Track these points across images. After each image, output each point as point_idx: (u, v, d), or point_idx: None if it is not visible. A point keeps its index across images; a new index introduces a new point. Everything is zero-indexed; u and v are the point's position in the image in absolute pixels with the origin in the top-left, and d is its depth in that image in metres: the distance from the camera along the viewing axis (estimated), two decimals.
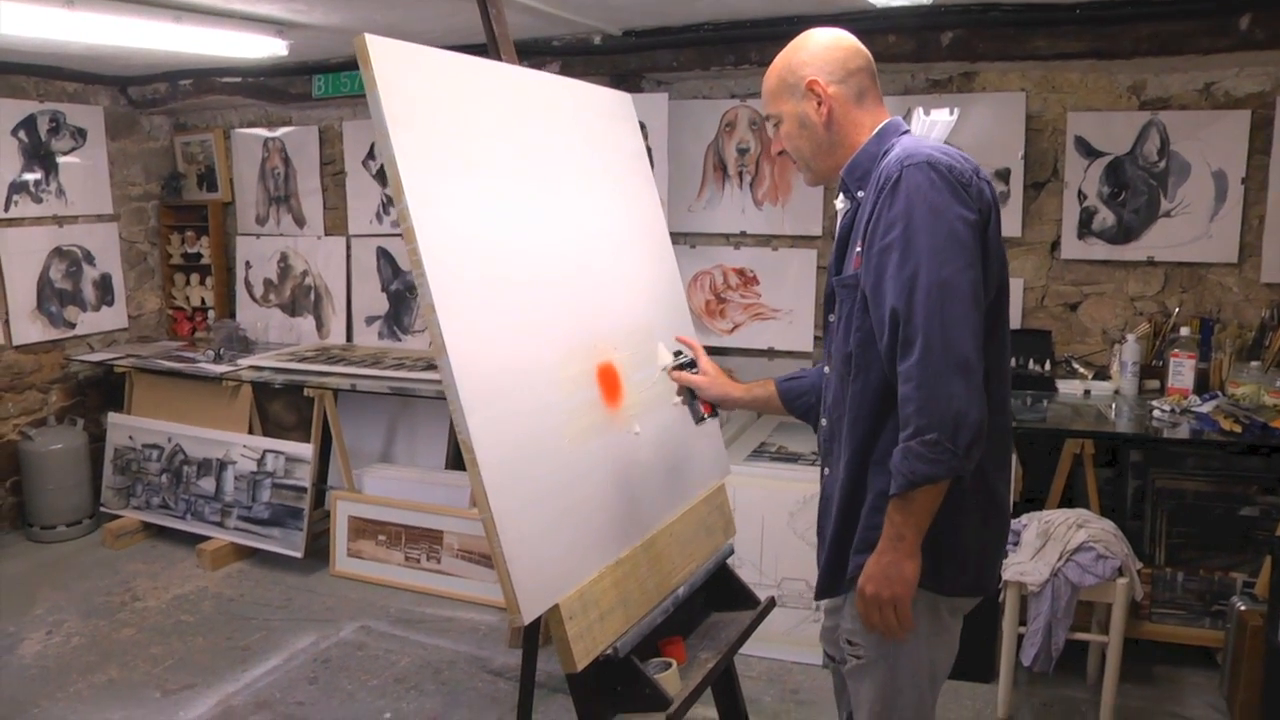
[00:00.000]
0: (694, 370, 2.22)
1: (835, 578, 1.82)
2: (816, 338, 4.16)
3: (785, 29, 3.72)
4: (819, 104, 1.78)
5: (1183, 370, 3.42)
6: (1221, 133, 3.61)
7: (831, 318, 1.88)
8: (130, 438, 4.54)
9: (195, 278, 5.24)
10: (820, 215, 4.10)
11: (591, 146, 2.44)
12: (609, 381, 2.22)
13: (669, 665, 2.11)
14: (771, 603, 2.56)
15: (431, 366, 4.21)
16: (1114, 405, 3.45)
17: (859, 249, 1.71)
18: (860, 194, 1.76)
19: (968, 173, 1.63)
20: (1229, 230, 3.64)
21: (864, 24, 3.44)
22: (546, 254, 2.11)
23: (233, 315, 5.14)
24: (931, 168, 1.60)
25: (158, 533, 4.50)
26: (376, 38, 1.74)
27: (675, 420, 2.45)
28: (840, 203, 1.87)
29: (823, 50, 1.79)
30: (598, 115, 2.52)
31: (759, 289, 4.25)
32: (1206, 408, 3.27)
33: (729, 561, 2.58)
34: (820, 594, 1.90)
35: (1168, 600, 3.29)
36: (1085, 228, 3.76)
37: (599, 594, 2.01)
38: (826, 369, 1.91)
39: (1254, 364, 3.39)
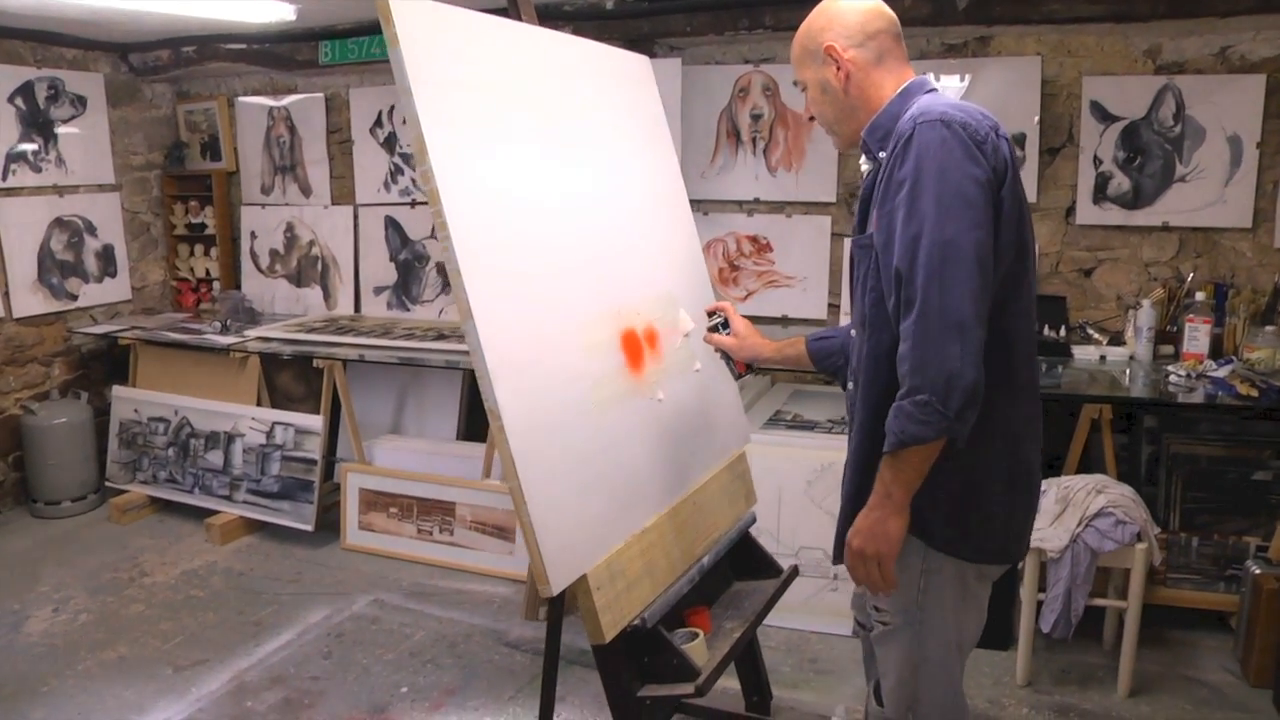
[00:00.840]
0: (726, 331, 2.27)
1: None
2: (830, 305, 4.14)
3: None
4: (838, 69, 1.76)
5: (1198, 335, 3.40)
6: (1237, 97, 3.57)
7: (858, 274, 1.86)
8: (136, 411, 4.51)
9: (200, 248, 5.19)
10: (835, 182, 4.06)
11: (613, 110, 2.41)
12: (633, 348, 2.21)
13: (696, 635, 2.10)
14: (794, 571, 2.55)
15: (442, 336, 4.18)
16: (1128, 371, 3.44)
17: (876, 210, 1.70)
18: (882, 154, 1.73)
19: (983, 130, 1.60)
20: (1243, 195, 3.62)
21: None
22: (569, 218, 2.09)
23: (238, 286, 5.10)
24: (945, 125, 1.58)
25: (165, 507, 4.47)
26: None
27: (697, 387, 2.45)
28: (865, 164, 1.84)
29: (841, 14, 1.77)
30: (618, 78, 2.49)
31: (772, 256, 4.22)
32: (1222, 372, 3.26)
33: (750, 530, 2.58)
34: (837, 558, 1.89)
35: (1182, 565, 3.29)
36: (1100, 193, 3.73)
37: (626, 563, 2.00)
38: (854, 331, 1.89)
39: (1269, 328, 3.37)
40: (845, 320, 4.08)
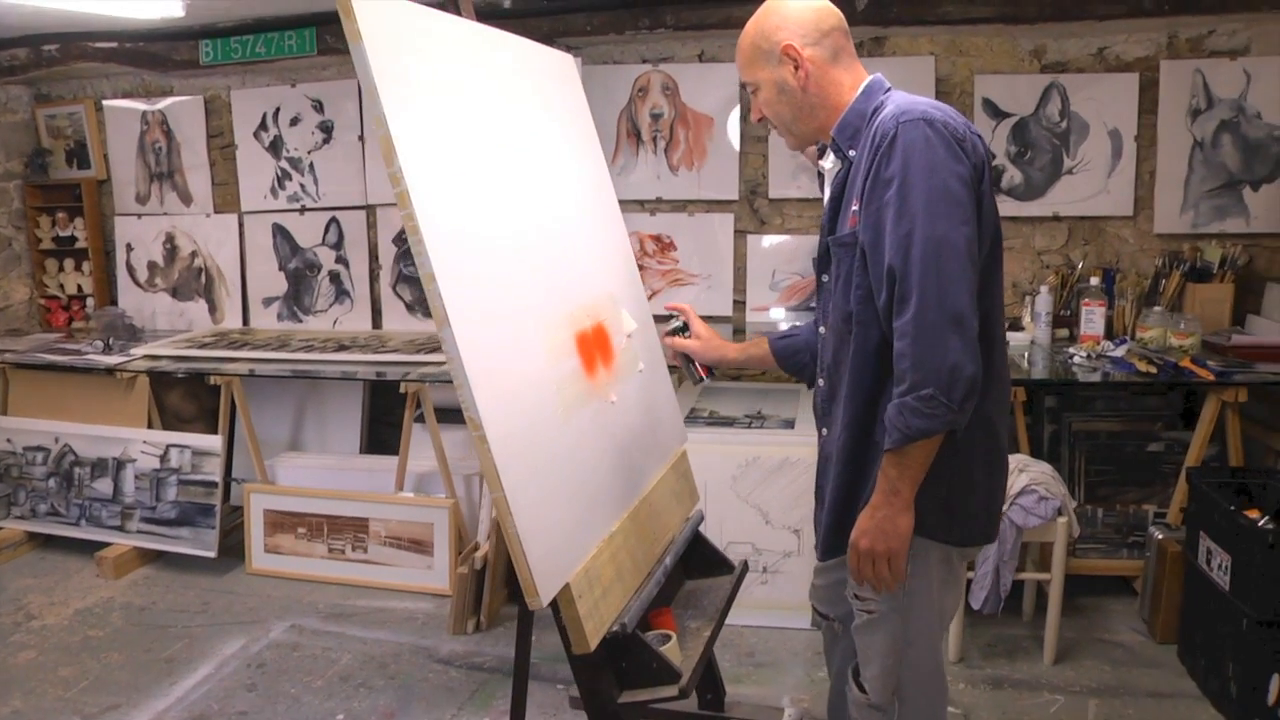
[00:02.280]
0: (687, 334, 2.24)
1: (840, 537, 1.82)
2: (736, 301, 4.18)
3: None
4: (796, 68, 1.78)
5: (1094, 318, 3.59)
6: (1114, 94, 3.80)
7: (825, 278, 1.88)
8: (9, 441, 4.18)
9: (70, 263, 4.85)
10: (736, 180, 4.11)
11: (549, 110, 2.36)
12: (586, 350, 2.17)
13: (669, 637, 2.08)
14: (745, 567, 2.55)
15: (343, 347, 4.03)
16: (1027, 354, 3.59)
17: (855, 207, 1.72)
18: (852, 153, 1.75)
19: (961, 128, 1.65)
20: (1124, 185, 3.85)
21: None
22: (526, 220, 2.03)
23: (114, 302, 4.79)
24: (928, 124, 1.61)
25: (46, 542, 4.16)
26: None
27: (641, 388, 2.42)
28: (829, 163, 1.86)
29: (794, 13, 1.78)
30: (549, 77, 2.44)
31: (676, 255, 4.23)
32: (1119, 352, 3.44)
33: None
34: (825, 554, 1.91)
35: (1089, 535, 3.47)
36: (995, 186, 3.88)
37: (600, 569, 1.96)
38: (822, 329, 1.91)
39: (1156, 309, 3.58)
40: (752, 315, 4.13)
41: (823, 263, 1.88)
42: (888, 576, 1.68)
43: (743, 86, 1.95)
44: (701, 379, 2.26)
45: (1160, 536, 3.23)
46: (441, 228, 1.69)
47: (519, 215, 2.00)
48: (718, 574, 2.54)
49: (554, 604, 1.81)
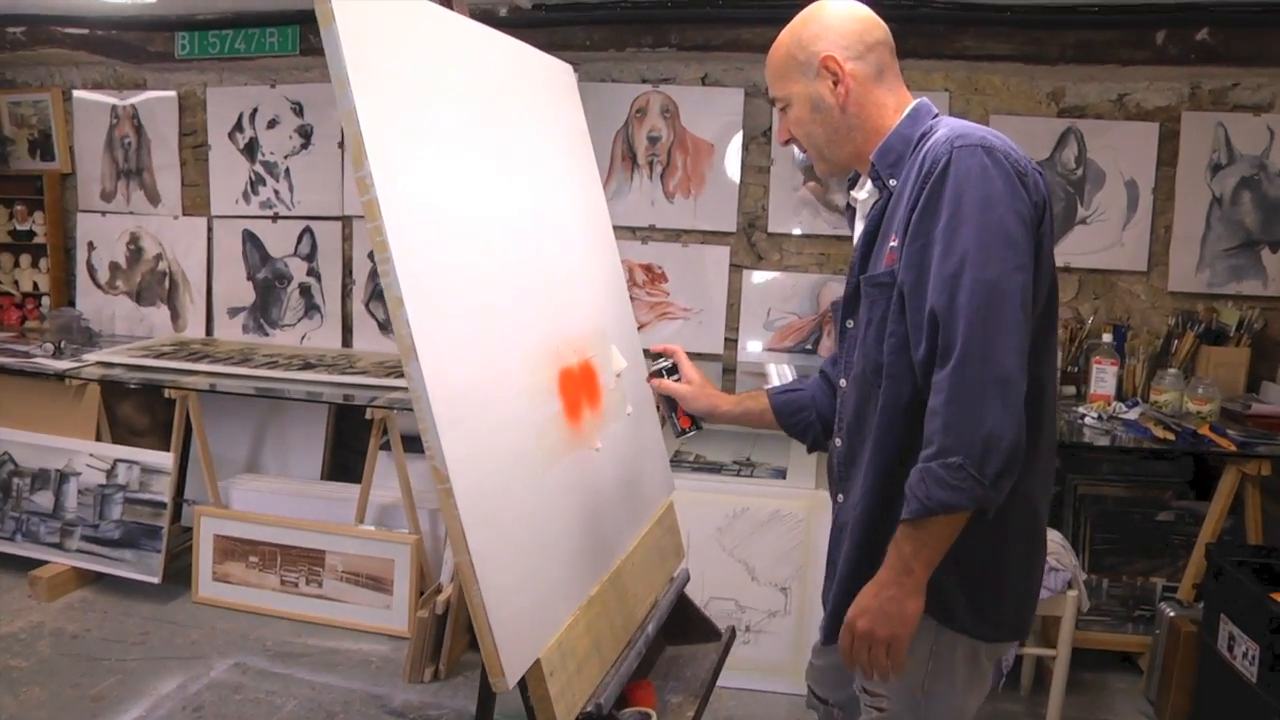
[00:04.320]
0: (676, 377, 1.97)
1: None
2: (728, 339, 3.98)
3: (710, 11, 3.55)
4: (835, 83, 1.57)
5: (1105, 377, 3.40)
6: (1133, 143, 3.65)
7: (850, 323, 1.68)
8: None
9: (26, 259, 4.57)
10: (735, 211, 3.91)
11: (544, 121, 2.16)
12: (571, 391, 1.95)
13: (648, 717, 1.86)
14: (733, 634, 2.34)
15: (308, 365, 3.79)
16: None
17: (894, 243, 1.51)
18: (893, 182, 1.55)
19: (1023, 161, 1.46)
20: (1139, 239, 3.68)
21: (795, 10, 3.28)
22: (508, 241, 1.82)
23: (72, 303, 4.52)
24: (986, 152, 1.41)
25: None
26: None
27: (629, 433, 2.21)
28: (864, 193, 1.66)
29: (838, 22, 1.59)
30: (545, 85, 2.25)
31: (667, 286, 4.02)
32: (1133, 414, 3.26)
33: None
34: (831, 636, 1.68)
35: (1094, 607, 3.27)
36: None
37: (575, 641, 1.74)
38: (842, 382, 1.70)
39: (1171, 371, 3.40)
40: (748, 352, 3.93)
41: (849, 306, 1.68)
42: (884, 664, 1.45)
43: (771, 103, 1.73)
44: (684, 431, 1.97)
45: (1172, 614, 3.02)
46: (414, 245, 1.47)
47: (504, 235, 1.79)
48: (703, 640, 2.32)
49: (522, 682, 1.58)
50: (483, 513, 1.51)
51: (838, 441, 1.71)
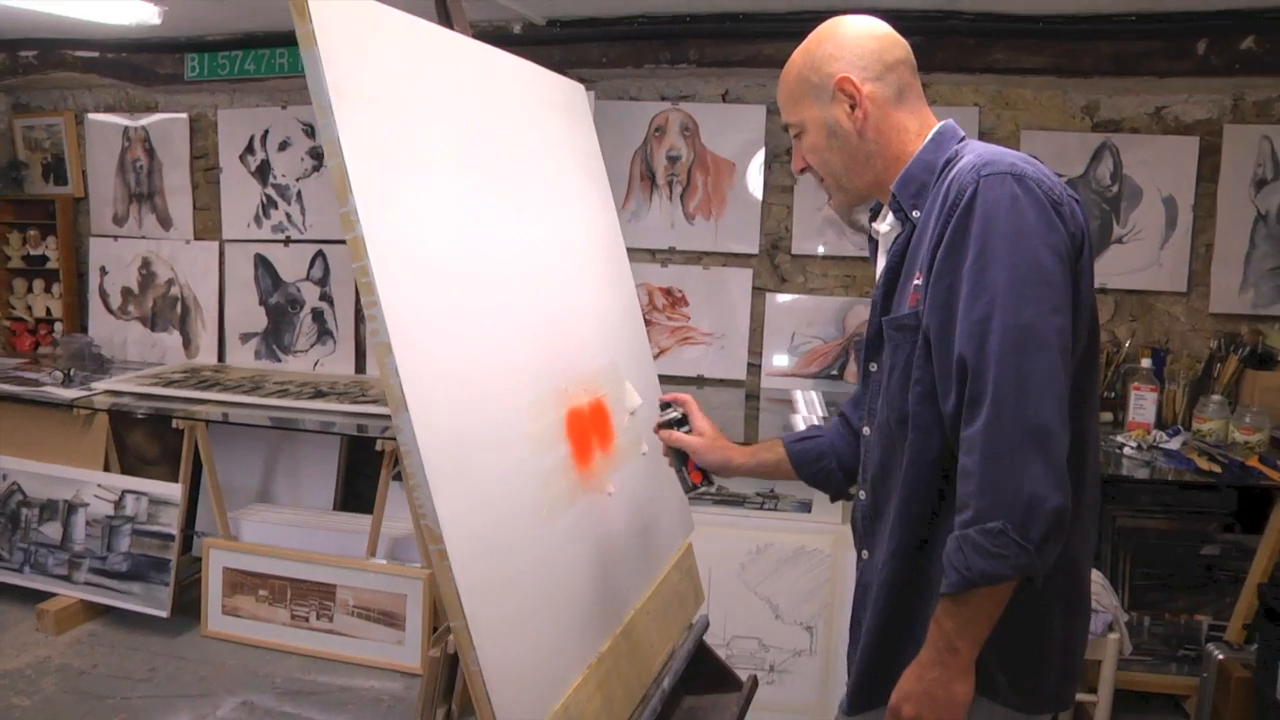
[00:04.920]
0: (686, 429, 1.82)
1: (875, 689, 1.47)
2: (751, 364, 3.85)
3: (730, 26, 3.44)
4: (852, 106, 1.46)
5: (1144, 404, 3.25)
6: (1171, 158, 3.51)
7: (874, 366, 1.55)
8: None
9: (39, 284, 4.53)
10: (757, 233, 3.79)
11: (552, 144, 2.05)
12: (580, 433, 1.84)
13: None
14: (755, 683, 2.21)
15: (320, 394, 3.71)
16: None
17: (918, 281, 1.39)
18: (916, 214, 1.43)
19: (1058, 189, 1.32)
20: (1178, 258, 3.54)
21: (817, 24, 3.17)
22: (512, 276, 1.71)
23: (84, 328, 4.47)
24: (1016, 180, 1.28)
25: None
26: None
27: (644, 473, 2.09)
28: (885, 225, 1.54)
29: (853, 40, 1.47)
30: (554, 107, 2.13)
31: (687, 310, 3.91)
32: (1174, 444, 3.10)
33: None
34: (854, 706, 1.55)
35: (1135, 646, 3.11)
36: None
37: (583, 703, 1.62)
38: (866, 430, 1.57)
39: (1215, 398, 3.24)
40: (769, 380, 3.80)
41: (872, 348, 1.55)
42: None
43: (785, 129, 1.62)
44: (695, 486, 1.83)
45: (1221, 656, 2.87)
46: (405, 286, 1.36)
47: (506, 271, 1.68)
48: (723, 690, 2.20)
49: None
50: (481, 574, 1.40)
51: (861, 494, 1.58)
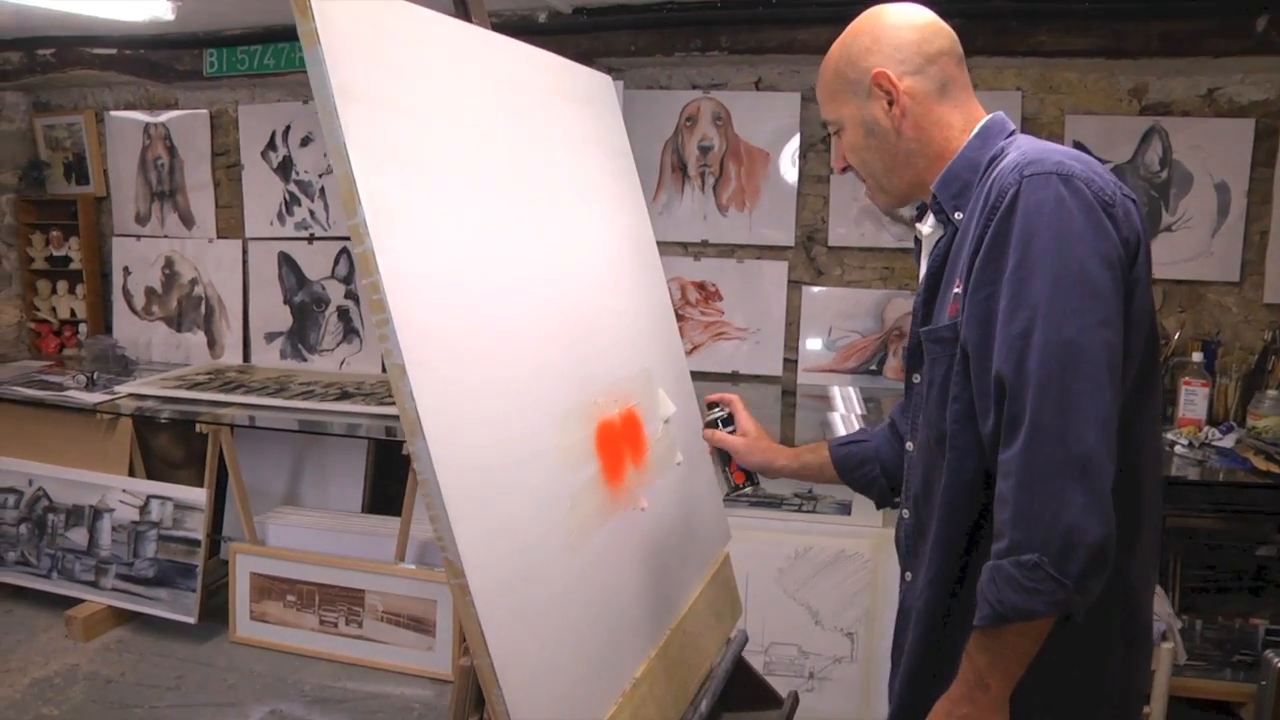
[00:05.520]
0: (730, 429, 1.78)
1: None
2: (787, 360, 3.74)
3: (763, 12, 3.31)
4: (890, 103, 1.36)
5: (1195, 399, 3.12)
6: (1224, 142, 3.35)
7: (916, 378, 1.45)
8: None
9: (63, 285, 4.50)
10: (793, 224, 3.67)
11: (579, 142, 1.96)
12: (611, 447, 1.75)
13: None
14: (795, 699, 2.13)
15: (346, 395, 3.64)
16: None
17: (957, 290, 1.29)
18: (958, 215, 1.33)
19: (1110, 189, 1.21)
20: (1231, 247, 3.38)
21: (857, 11, 3.05)
22: (536, 283, 1.62)
23: (109, 329, 4.44)
24: (1063, 180, 1.18)
25: (15, 595, 3.76)
26: None
27: (679, 483, 2.01)
28: (927, 227, 1.43)
29: (892, 31, 1.36)
30: (582, 103, 2.03)
31: (721, 305, 3.80)
32: (1228, 441, 2.97)
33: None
34: None
35: (1187, 651, 2.98)
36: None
37: None
38: (910, 445, 1.47)
39: (1271, 393, 3.10)
40: (806, 375, 3.69)
41: (914, 359, 1.45)
42: None
43: (823, 126, 1.51)
44: (738, 487, 1.80)
45: (1279, 663, 2.74)
46: (420, 301, 1.28)
47: (531, 279, 1.58)
48: (762, 708, 2.12)
49: None
50: (505, 607, 1.32)
51: (905, 513, 1.49)
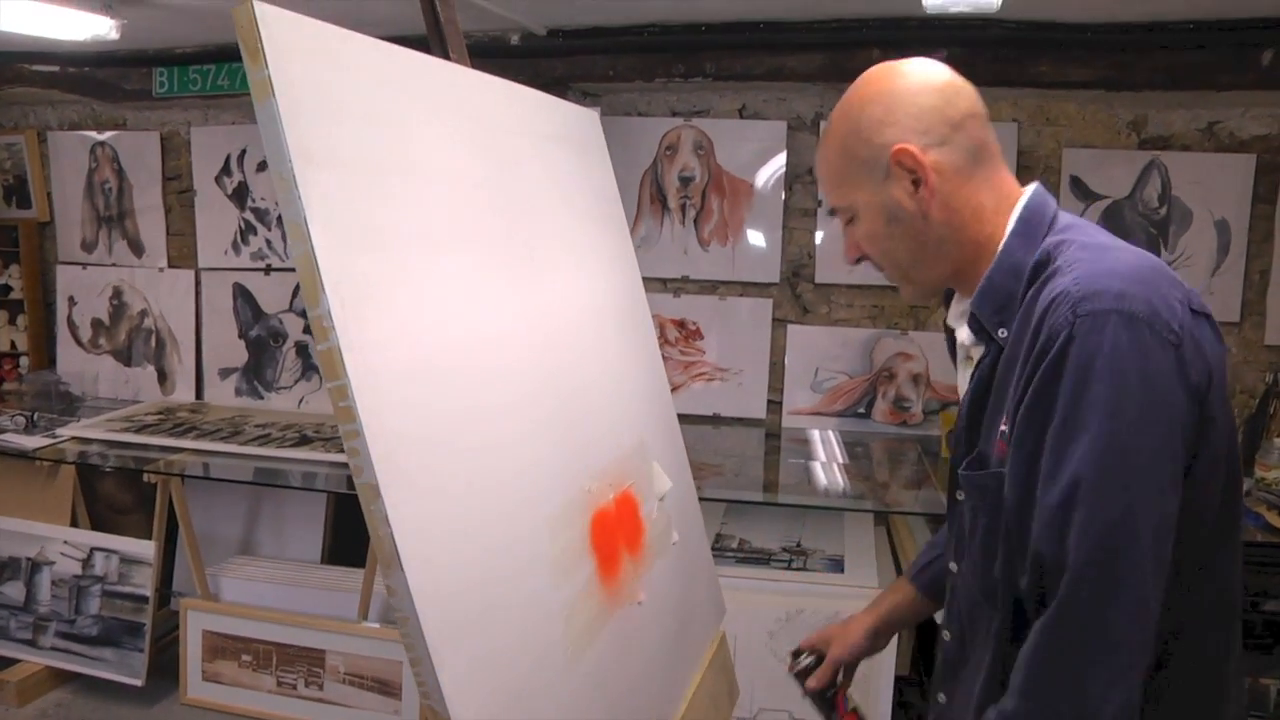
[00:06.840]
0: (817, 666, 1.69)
1: None
2: (770, 402, 3.58)
3: (750, 37, 3.15)
4: (915, 183, 1.16)
5: None
6: (1224, 178, 3.26)
7: (960, 495, 1.27)
8: None
9: (3, 316, 4.24)
10: (777, 258, 3.52)
11: (565, 190, 1.76)
12: (606, 540, 1.56)
13: None
14: None
15: (305, 440, 3.42)
16: None
17: (1004, 428, 1.11)
18: (1003, 333, 1.14)
19: (1178, 314, 1.02)
20: (1231, 286, 3.29)
21: (848, 37, 2.90)
22: (522, 362, 1.42)
23: (52, 362, 4.18)
24: (1124, 322, 1.00)
25: None
26: (270, 7, 1.02)
27: (676, 565, 1.83)
28: (968, 338, 1.23)
29: (908, 96, 1.17)
30: (568, 145, 1.85)
31: (702, 344, 3.64)
32: None
33: None
34: None
35: None
36: None
37: None
38: (953, 565, 1.30)
39: (1278, 441, 2.98)
40: (790, 418, 3.53)
41: (955, 482, 1.28)
42: None
43: (830, 214, 1.33)
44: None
45: None
46: (394, 405, 1.08)
47: (516, 358, 1.39)
48: None
49: None
50: None
51: (946, 635, 1.32)
